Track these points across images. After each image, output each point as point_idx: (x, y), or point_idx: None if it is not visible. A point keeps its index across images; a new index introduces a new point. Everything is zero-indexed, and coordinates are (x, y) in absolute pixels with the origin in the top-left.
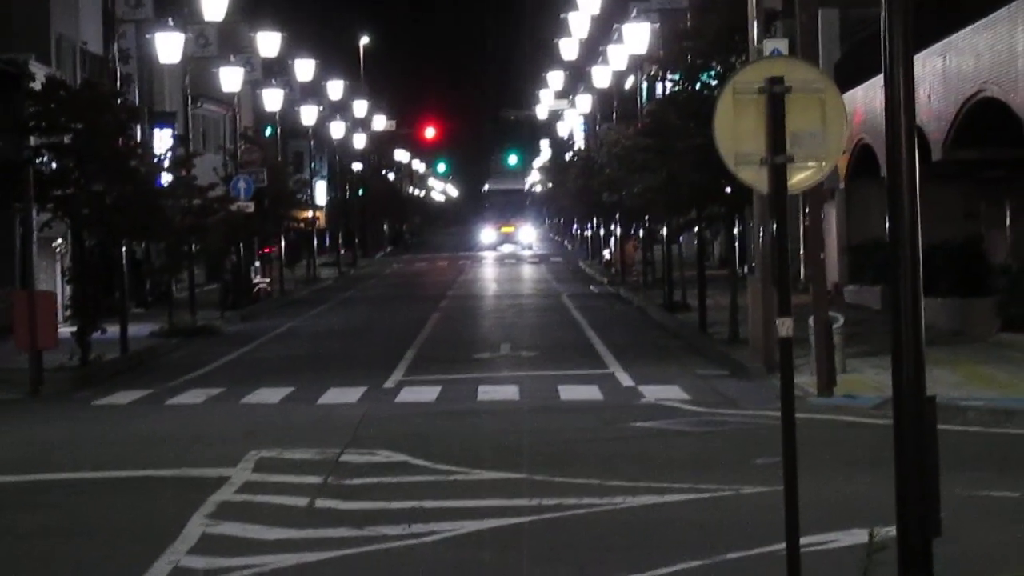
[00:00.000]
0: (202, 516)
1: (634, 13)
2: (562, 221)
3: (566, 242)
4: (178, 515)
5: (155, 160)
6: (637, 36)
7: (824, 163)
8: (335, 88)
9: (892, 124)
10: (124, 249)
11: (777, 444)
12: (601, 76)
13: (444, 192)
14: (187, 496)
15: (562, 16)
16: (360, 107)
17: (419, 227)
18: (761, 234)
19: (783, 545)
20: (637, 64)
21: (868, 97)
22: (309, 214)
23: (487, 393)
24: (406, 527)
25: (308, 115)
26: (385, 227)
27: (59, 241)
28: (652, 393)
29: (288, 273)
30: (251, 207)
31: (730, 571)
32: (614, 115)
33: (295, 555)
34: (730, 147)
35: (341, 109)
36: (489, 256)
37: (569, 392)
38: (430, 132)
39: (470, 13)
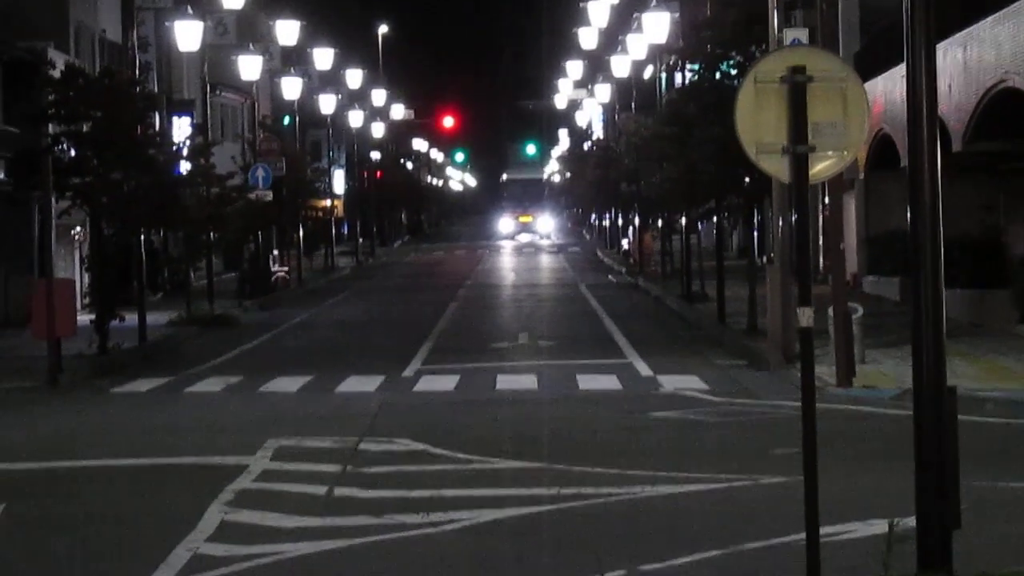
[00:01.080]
0: (221, 504)
1: (654, 2)
2: (580, 211)
3: (584, 232)
4: (196, 503)
5: (173, 149)
6: (657, 25)
7: (845, 153)
8: (353, 77)
9: (914, 115)
10: (142, 238)
11: (795, 434)
12: (620, 66)
13: (462, 182)
14: (205, 484)
15: (581, 5)
16: (378, 96)
17: (437, 217)
18: (780, 224)
19: (802, 535)
20: (656, 54)
21: (888, 87)
22: (327, 203)
23: (506, 382)
24: (425, 516)
25: (326, 104)
26: (403, 216)
27: (77, 229)
28: (671, 383)
29: (306, 262)
30: (269, 196)
31: (749, 561)
32: (633, 105)
33: (313, 543)
34: (751, 137)
35: (359, 98)
36: (507, 246)
37: (588, 382)
38: (448, 121)
39: (489, 2)
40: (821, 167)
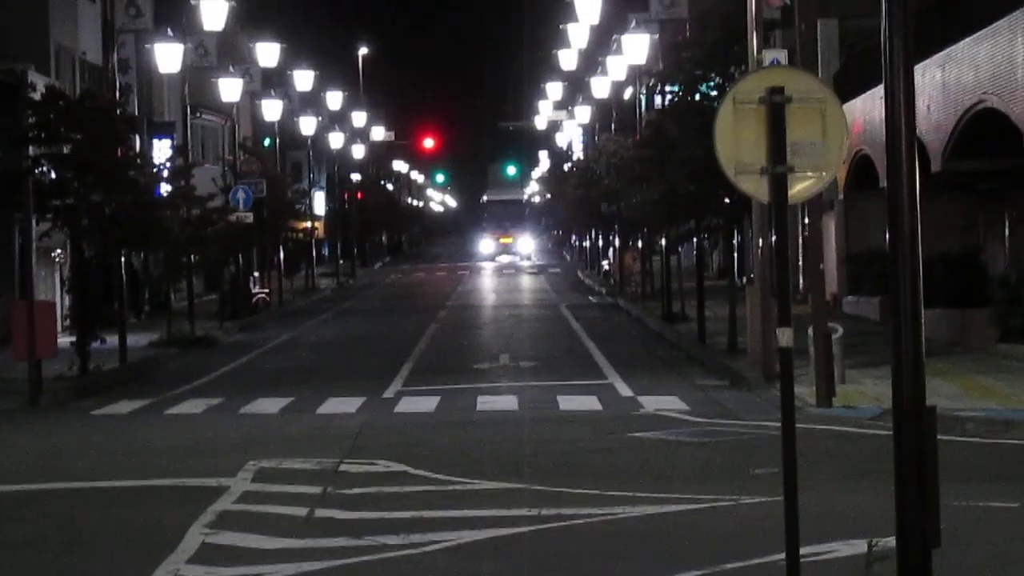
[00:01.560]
0: (201, 526)
1: (633, 24)
2: (560, 232)
3: (565, 252)
4: (177, 525)
5: (154, 170)
6: (636, 47)
7: (824, 173)
8: (334, 99)
9: (892, 135)
10: (123, 259)
11: (776, 454)
12: (600, 87)
13: (443, 203)
14: (186, 506)
15: (561, 27)
16: (359, 118)
17: (418, 237)
18: (760, 244)
19: (783, 555)
20: (636, 75)
21: (867, 108)
22: (308, 224)
23: (486, 403)
24: (405, 537)
25: (307, 126)
26: (384, 237)
27: (58, 251)
28: (651, 403)
29: (287, 283)
30: (250, 217)
31: None
32: (613, 126)
33: (294, 564)
34: (730, 157)
35: (340, 120)
36: (488, 267)
37: (568, 402)
38: (429, 143)
39: (469, 24)
40: (800, 187)
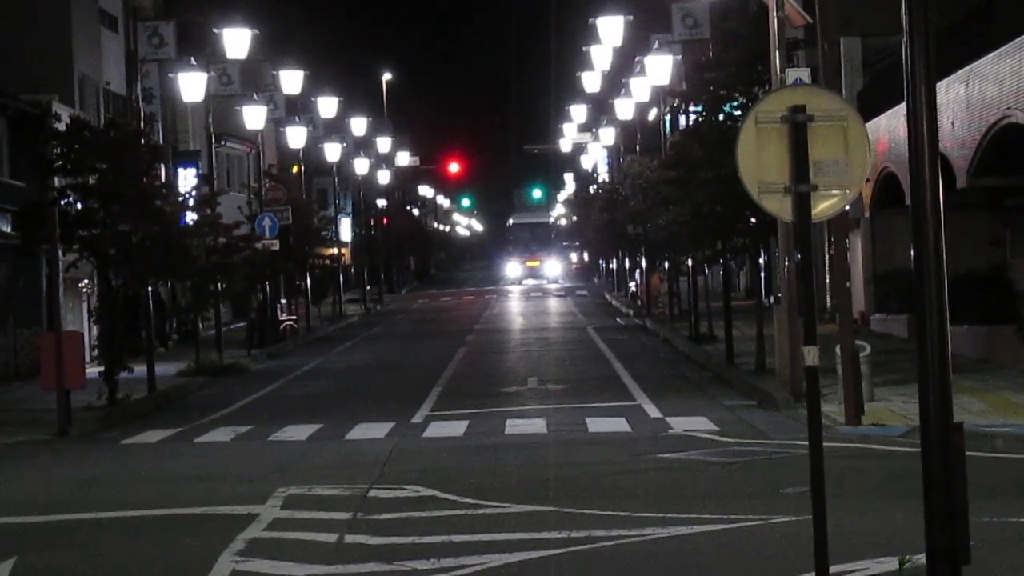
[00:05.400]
0: (231, 553)
1: (656, 45)
2: (587, 254)
3: (592, 275)
4: (207, 553)
5: (180, 199)
6: (659, 68)
7: (848, 191)
8: (358, 125)
9: (915, 152)
10: (150, 288)
11: (805, 473)
12: (624, 108)
13: (469, 227)
14: (216, 534)
15: (584, 49)
16: (384, 143)
17: (444, 262)
18: (786, 264)
19: (813, 574)
20: (660, 96)
21: (891, 125)
22: (334, 251)
23: (515, 426)
24: (435, 561)
25: (332, 152)
26: (411, 263)
27: (85, 281)
28: (680, 424)
29: (314, 310)
30: (276, 245)
31: None
32: (637, 147)
33: None
34: (753, 177)
35: (365, 146)
36: (515, 290)
37: (597, 424)
38: (454, 167)
39: (493, 49)
40: (824, 206)
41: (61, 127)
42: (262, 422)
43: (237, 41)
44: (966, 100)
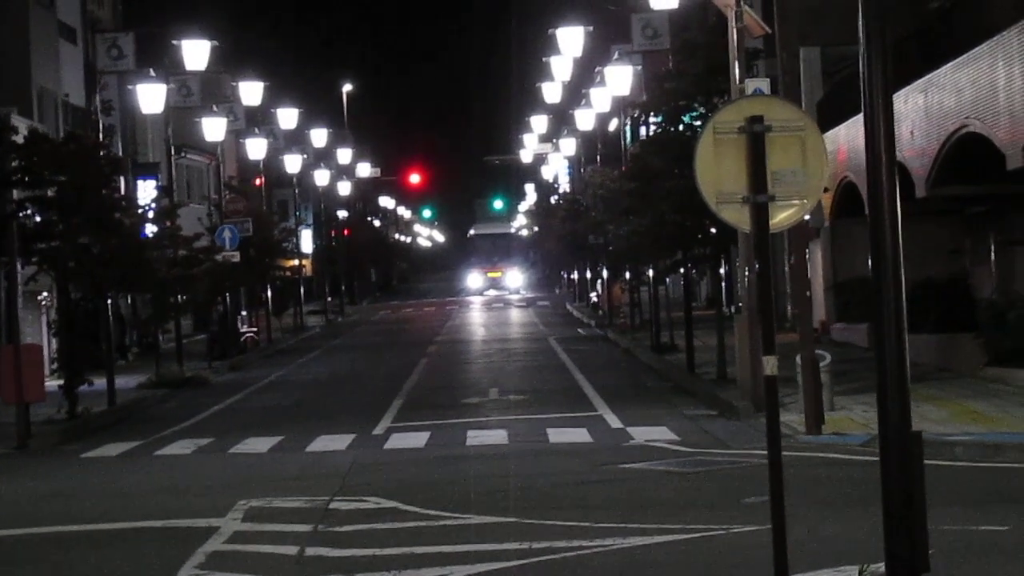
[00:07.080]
0: (192, 567)
1: (616, 56)
2: (548, 265)
3: (553, 285)
4: (168, 566)
5: (139, 211)
6: (620, 78)
7: (806, 201)
8: (319, 136)
9: (873, 161)
10: (110, 301)
11: (766, 482)
12: (585, 119)
13: (430, 238)
14: (176, 547)
15: (545, 60)
16: (344, 155)
17: (406, 273)
18: (747, 273)
19: None
20: (620, 106)
21: (851, 135)
22: (295, 262)
23: (476, 438)
24: (396, 573)
25: (292, 163)
26: (372, 274)
27: (45, 294)
28: (641, 434)
29: (275, 322)
30: (237, 257)
31: None
32: (598, 157)
33: None
34: (711, 187)
35: (325, 157)
36: (476, 301)
37: (558, 435)
38: (415, 178)
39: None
40: (782, 216)
41: (19, 140)
42: (223, 435)
43: (196, 53)
44: (925, 110)
